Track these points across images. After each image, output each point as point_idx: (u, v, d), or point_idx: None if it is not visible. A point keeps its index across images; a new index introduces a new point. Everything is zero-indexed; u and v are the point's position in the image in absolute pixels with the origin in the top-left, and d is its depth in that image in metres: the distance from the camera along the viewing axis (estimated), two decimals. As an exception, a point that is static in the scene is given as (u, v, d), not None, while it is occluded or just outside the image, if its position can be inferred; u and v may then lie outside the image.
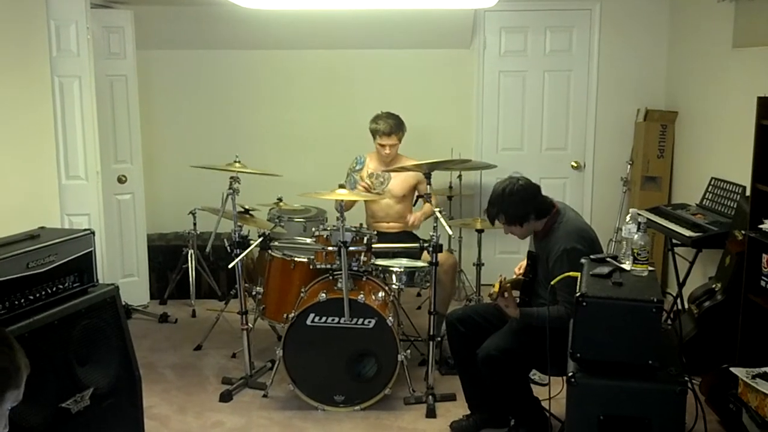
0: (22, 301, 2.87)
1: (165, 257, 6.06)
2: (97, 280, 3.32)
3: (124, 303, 4.04)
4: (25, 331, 2.79)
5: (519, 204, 3.58)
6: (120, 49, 5.60)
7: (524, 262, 3.82)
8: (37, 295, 2.95)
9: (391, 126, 5.03)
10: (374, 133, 5.10)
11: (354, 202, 5.17)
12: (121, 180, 5.72)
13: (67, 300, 3.08)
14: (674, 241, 4.97)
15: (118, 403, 3.29)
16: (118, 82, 5.62)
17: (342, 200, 4.17)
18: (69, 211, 5.15)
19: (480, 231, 5.22)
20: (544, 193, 3.69)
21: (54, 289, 3.05)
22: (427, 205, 4.91)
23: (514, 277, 3.82)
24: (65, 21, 4.99)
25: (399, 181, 5.16)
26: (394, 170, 4.92)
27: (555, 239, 3.55)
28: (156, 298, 6.02)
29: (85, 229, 3.31)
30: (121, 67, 5.62)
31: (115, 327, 3.31)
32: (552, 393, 3.38)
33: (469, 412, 3.95)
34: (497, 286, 3.45)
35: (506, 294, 3.50)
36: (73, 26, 5.01)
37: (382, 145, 5.07)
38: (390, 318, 4.08)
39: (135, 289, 5.83)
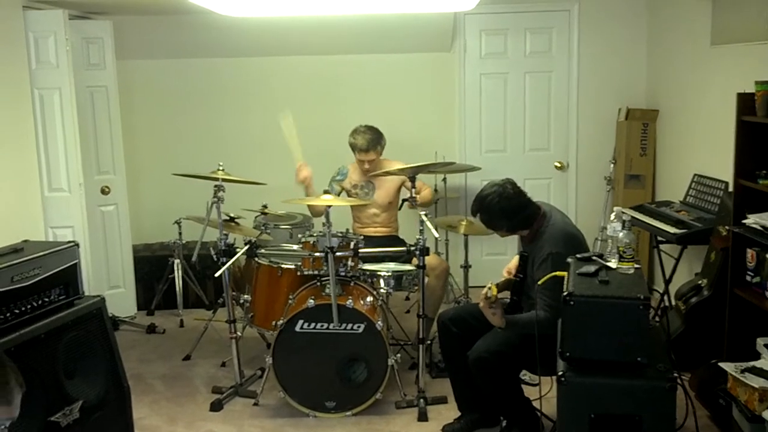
0: (8, 315, 2.86)
1: (151, 268, 6.02)
2: (83, 293, 3.31)
3: (110, 315, 4.02)
4: (11, 345, 2.77)
5: (505, 216, 3.63)
6: (100, 59, 5.57)
7: (513, 263, 3.82)
8: (23, 308, 2.94)
9: (368, 141, 4.97)
10: (353, 147, 5.05)
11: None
12: (105, 191, 5.68)
13: (53, 313, 3.07)
14: (659, 238, 4.99)
15: (108, 415, 3.28)
16: (98, 93, 5.58)
17: (329, 206, 4.15)
18: (53, 223, 5.11)
19: (466, 234, 5.22)
20: (529, 194, 3.70)
21: (39, 302, 3.03)
22: (425, 191, 4.95)
23: (504, 278, 3.82)
24: (44, 33, 4.96)
25: (383, 191, 5.13)
26: (378, 175, 4.90)
27: (541, 243, 3.57)
28: (143, 309, 5.99)
29: (70, 242, 3.30)
30: (102, 77, 5.59)
31: (103, 339, 3.30)
32: (542, 392, 3.39)
33: (460, 414, 3.96)
34: (495, 289, 3.40)
35: (494, 303, 3.48)
36: (52, 38, 4.97)
37: (361, 161, 5.06)
38: (379, 322, 4.08)
39: (121, 301, 5.80)
